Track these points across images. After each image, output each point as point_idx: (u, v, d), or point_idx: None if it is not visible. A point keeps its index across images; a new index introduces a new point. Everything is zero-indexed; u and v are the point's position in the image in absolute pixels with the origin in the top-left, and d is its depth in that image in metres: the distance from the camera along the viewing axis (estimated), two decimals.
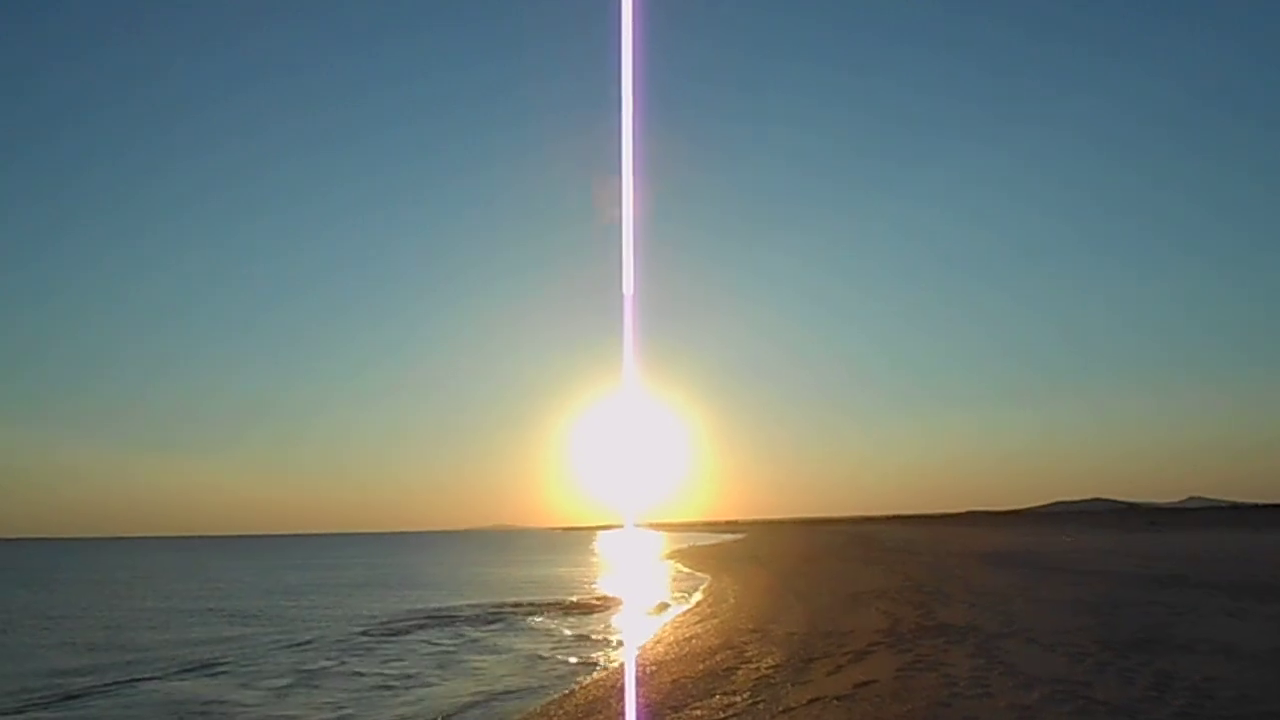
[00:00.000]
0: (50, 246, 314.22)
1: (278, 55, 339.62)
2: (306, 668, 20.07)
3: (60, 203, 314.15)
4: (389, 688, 17.36)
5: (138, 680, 18.91)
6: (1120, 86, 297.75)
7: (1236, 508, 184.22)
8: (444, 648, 23.07)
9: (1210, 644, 12.93)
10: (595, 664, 19.55)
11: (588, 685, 16.34)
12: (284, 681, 18.34)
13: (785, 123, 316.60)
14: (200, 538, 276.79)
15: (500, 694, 16.38)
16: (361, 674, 19.04)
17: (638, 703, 13.09)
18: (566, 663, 19.90)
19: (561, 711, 13.83)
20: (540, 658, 20.77)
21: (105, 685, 18.40)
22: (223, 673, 19.75)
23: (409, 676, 18.58)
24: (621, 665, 18.72)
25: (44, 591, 52.44)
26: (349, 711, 15.38)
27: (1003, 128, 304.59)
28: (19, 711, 16.21)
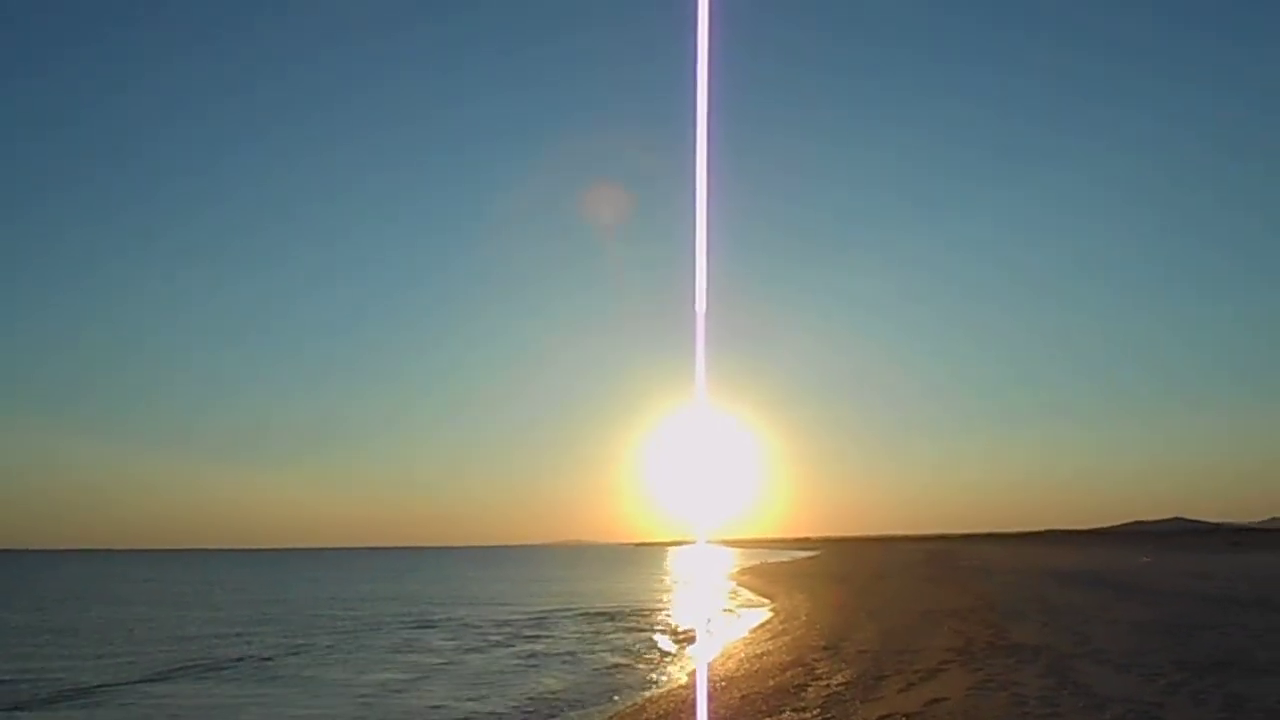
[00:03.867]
0: (122, 260, 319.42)
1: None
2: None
3: (135, 215, 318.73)
4: None
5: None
6: (1190, 106, 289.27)
7: None
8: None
9: None
10: (666, 678, 19.82)
11: (657, 699, 16.58)
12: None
13: (857, 142, 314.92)
14: (272, 550, 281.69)
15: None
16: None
17: (708, 718, 13.29)
18: (637, 673, 20.24)
19: None
20: (613, 667, 21.14)
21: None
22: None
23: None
24: (690, 680, 18.93)
25: (124, 604, 54.03)
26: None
27: (1070, 144, 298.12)
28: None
